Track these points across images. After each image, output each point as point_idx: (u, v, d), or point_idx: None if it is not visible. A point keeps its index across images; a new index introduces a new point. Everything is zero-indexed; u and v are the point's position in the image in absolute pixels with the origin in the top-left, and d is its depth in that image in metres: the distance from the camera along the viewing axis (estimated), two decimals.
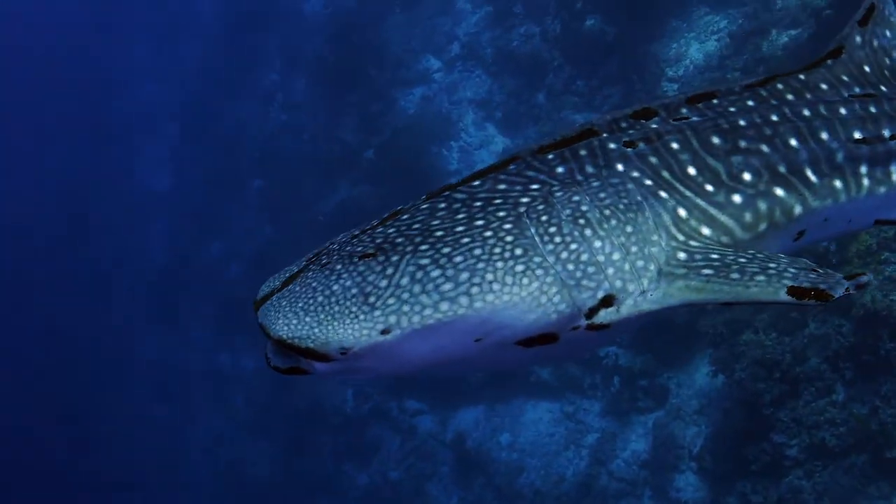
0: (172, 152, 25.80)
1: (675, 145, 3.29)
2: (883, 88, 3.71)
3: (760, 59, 12.02)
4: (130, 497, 21.04)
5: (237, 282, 18.27)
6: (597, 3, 14.30)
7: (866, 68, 3.77)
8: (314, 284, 3.06)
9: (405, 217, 3.20)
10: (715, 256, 3.07)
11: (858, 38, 3.82)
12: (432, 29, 18.30)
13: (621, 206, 3.12)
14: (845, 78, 3.69)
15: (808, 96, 3.55)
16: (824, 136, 3.42)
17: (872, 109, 3.57)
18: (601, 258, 3.03)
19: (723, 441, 10.06)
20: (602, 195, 3.14)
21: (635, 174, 3.21)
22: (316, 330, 2.95)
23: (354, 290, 2.97)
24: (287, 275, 3.21)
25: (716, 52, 13.16)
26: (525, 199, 3.15)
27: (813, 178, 3.36)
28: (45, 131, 31.49)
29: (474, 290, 2.92)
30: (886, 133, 3.52)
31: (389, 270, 2.99)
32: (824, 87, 3.63)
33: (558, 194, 3.15)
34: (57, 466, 22.20)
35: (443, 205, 3.22)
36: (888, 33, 3.88)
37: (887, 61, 3.83)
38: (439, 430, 14.34)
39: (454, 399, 14.13)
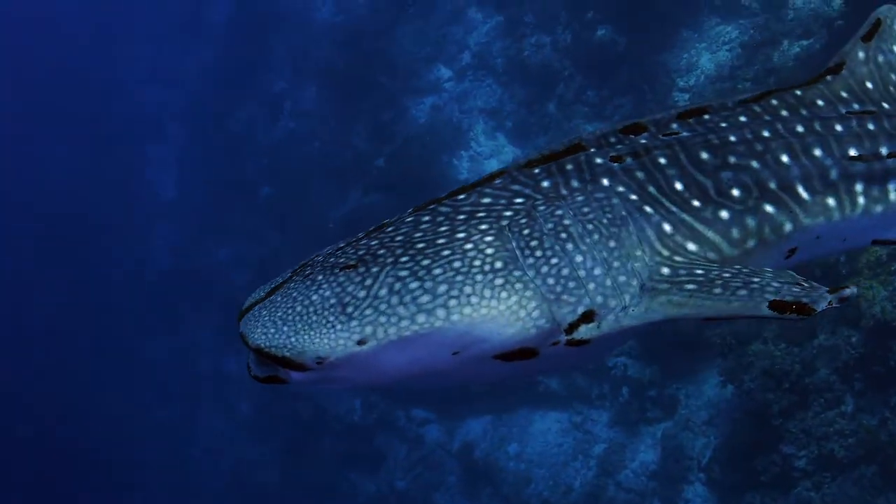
0: (180, 158, 25.85)
1: (662, 160, 3.26)
2: (885, 105, 3.66)
3: (771, 70, 12.01)
4: (131, 498, 21.05)
5: (243, 287, 18.26)
6: (608, 13, 14.30)
7: (868, 85, 3.71)
8: (294, 295, 3.07)
9: (389, 230, 3.21)
10: (699, 272, 3.04)
11: (861, 54, 3.77)
12: (443, 38, 18.31)
13: (605, 221, 3.09)
14: (844, 94, 3.64)
15: (803, 112, 3.50)
16: (817, 152, 3.37)
17: (870, 126, 3.51)
18: (582, 273, 3.00)
19: (732, 452, 10.01)
20: (586, 209, 3.12)
21: (621, 189, 3.18)
22: (292, 339, 2.95)
23: (333, 301, 2.98)
24: (272, 285, 3.23)
25: (727, 63, 13.14)
26: (508, 213, 3.14)
27: (805, 195, 3.31)
28: (51, 135, 31.56)
29: (452, 302, 2.91)
30: (884, 151, 3.46)
31: (368, 281, 2.99)
32: (821, 103, 3.57)
33: (541, 208, 3.13)
34: (59, 466, 22.18)
35: (427, 218, 3.22)
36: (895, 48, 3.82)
37: (893, 77, 3.77)
38: (446, 439, 14.31)
39: (462, 408, 14.10)
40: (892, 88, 3.75)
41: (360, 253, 3.11)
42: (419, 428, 14.74)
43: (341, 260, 3.12)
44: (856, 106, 3.61)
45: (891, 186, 3.48)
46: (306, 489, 16.35)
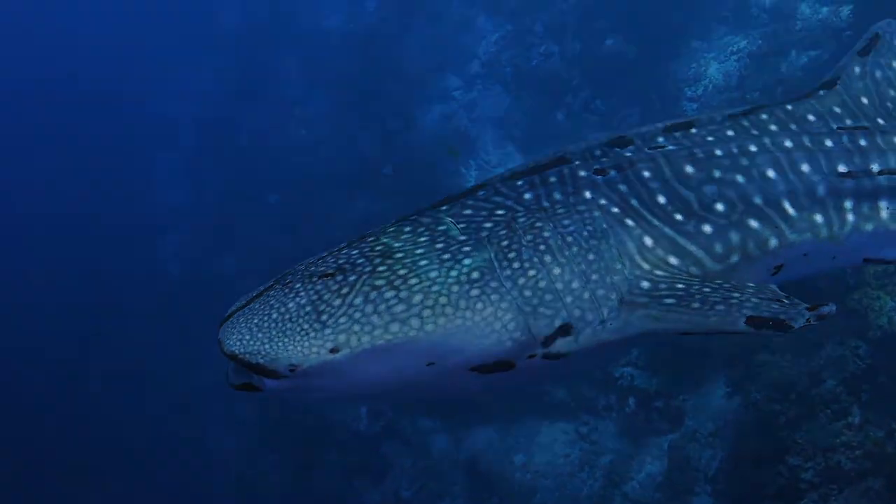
0: (189, 165, 25.87)
1: (646, 174, 3.23)
2: (880, 121, 3.60)
3: (780, 80, 11.98)
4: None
5: None
6: (616, 22, 14.32)
7: (864, 100, 3.65)
8: (272, 302, 3.07)
9: (370, 239, 3.20)
10: (680, 286, 3.00)
11: (857, 69, 3.71)
12: (452, 47, 18.36)
13: (585, 234, 3.06)
14: (837, 110, 3.58)
15: (793, 127, 3.45)
16: (805, 167, 3.32)
17: (862, 142, 3.46)
18: (560, 286, 2.97)
19: (738, 463, 9.94)
20: (566, 222, 3.09)
21: (603, 202, 3.16)
22: (266, 346, 2.94)
23: (308, 309, 2.96)
24: (255, 293, 3.22)
25: (735, 72, 13.13)
26: (488, 225, 3.12)
27: (791, 210, 3.26)
28: (61, 141, 31.69)
29: (426, 312, 2.88)
30: (875, 167, 3.40)
31: (345, 290, 2.97)
32: (812, 118, 3.52)
33: (521, 220, 3.12)
34: (63, 480, 22.11)
35: (408, 228, 3.21)
36: (895, 64, 3.76)
37: (891, 93, 3.71)
38: (452, 449, 14.24)
39: (468, 418, 14.04)
40: (888, 104, 3.69)
41: (340, 262, 3.11)
42: (425, 437, 14.67)
43: (320, 268, 3.11)
44: (849, 121, 3.55)
45: (882, 204, 3.42)
46: (310, 498, 16.28)
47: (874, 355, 8.32)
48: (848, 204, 3.40)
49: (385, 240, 3.19)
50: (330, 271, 3.10)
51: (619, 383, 12.19)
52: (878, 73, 3.76)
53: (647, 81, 13.98)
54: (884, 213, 3.45)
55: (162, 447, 20.83)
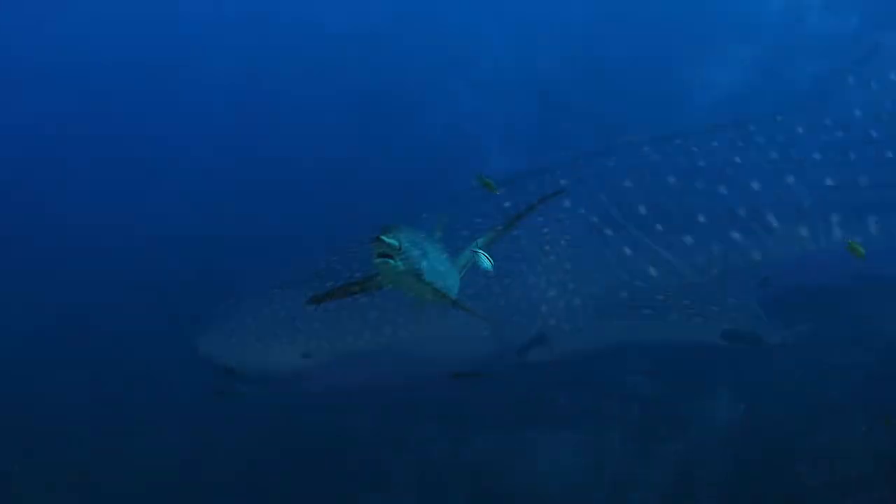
0: (189, 166, 25.85)
1: (628, 183, 3.23)
2: (873, 134, 3.56)
3: (786, 88, 12.00)
4: None
5: None
6: (623, 28, 14.35)
7: (857, 112, 3.62)
8: (250, 308, 3.07)
9: (352, 246, 3.21)
10: (659, 297, 2.99)
11: (852, 79, 3.68)
12: (458, 52, 18.41)
13: (563, 243, 3.07)
14: (828, 121, 3.55)
15: (780, 139, 3.43)
16: (790, 180, 3.30)
17: (851, 156, 3.43)
18: (535, 294, 2.96)
19: (743, 471, 9.92)
20: (545, 230, 3.10)
21: (582, 211, 3.16)
22: (241, 351, 2.94)
23: (282, 315, 2.97)
24: (236, 300, 3.23)
25: (742, 80, 13.15)
26: (465, 233, 3.12)
27: (775, 223, 3.23)
28: (67, 152, 31.70)
29: (400, 319, 2.88)
30: (864, 181, 3.36)
31: (321, 296, 2.96)
32: (800, 130, 3.50)
33: (500, 229, 3.11)
34: (61, 479, 22.00)
35: (389, 236, 3.17)
36: (892, 76, 3.72)
37: (887, 105, 3.67)
38: (454, 455, 14.18)
39: (470, 424, 13.98)
40: (884, 116, 3.64)
41: (319, 268, 3.11)
42: (426, 443, 14.61)
43: (299, 275, 3.12)
44: (839, 134, 3.52)
45: (871, 218, 3.37)
46: None
47: (880, 362, 8.31)
48: (834, 217, 3.37)
49: (364, 247, 3.18)
50: (308, 278, 3.12)
51: (623, 390, 12.16)
52: (874, 85, 3.74)
53: (654, 87, 14.02)
54: (872, 228, 3.42)
55: (160, 448, 20.75)
